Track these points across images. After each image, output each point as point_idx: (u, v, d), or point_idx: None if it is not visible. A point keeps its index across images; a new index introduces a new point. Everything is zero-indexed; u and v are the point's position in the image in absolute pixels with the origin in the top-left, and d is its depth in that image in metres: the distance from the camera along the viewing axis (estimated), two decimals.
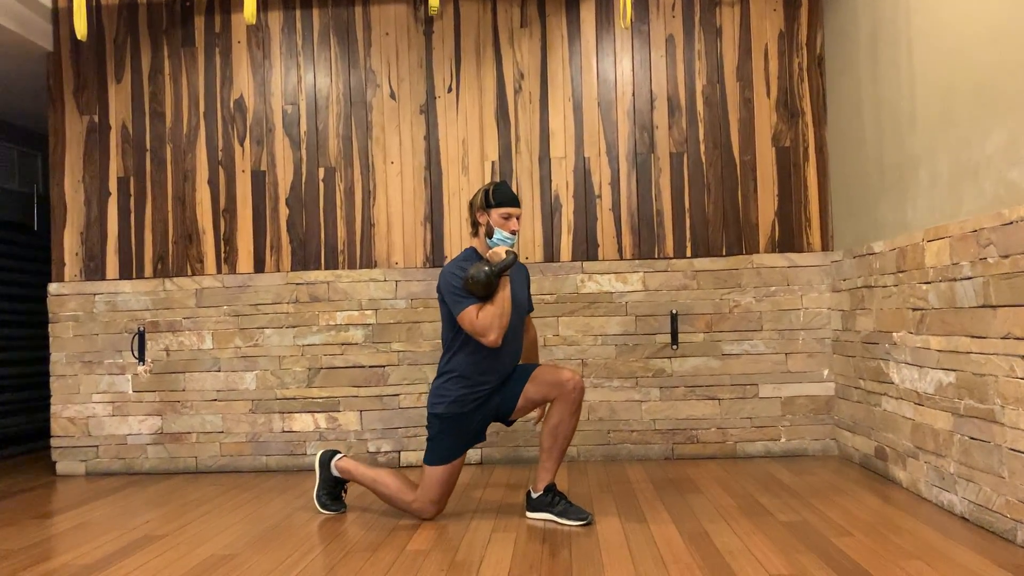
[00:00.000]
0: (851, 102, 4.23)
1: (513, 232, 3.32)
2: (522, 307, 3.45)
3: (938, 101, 3.32)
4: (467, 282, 3.19)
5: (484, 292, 3.19)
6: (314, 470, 3.70)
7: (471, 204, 3.39)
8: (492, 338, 3.19)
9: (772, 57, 4.62)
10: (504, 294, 3.21)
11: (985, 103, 2.98)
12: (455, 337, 3.35)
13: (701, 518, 3.27)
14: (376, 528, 3.31)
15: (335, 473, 3.58)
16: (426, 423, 3.45)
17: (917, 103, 3.50)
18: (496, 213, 3.31)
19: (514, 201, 3.33)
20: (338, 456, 3.59)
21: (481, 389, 3.35)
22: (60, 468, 4.72)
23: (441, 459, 3.35)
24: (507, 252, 3.22)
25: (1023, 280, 2.73)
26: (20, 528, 3.51)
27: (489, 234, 3.32)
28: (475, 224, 3.39)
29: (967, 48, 3.09)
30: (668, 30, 4.67)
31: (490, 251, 3.27)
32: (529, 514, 3.39)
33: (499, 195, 3.32)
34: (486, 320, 3.19)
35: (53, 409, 4.72)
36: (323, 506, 3.59)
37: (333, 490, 3.60)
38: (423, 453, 3.46)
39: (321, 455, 3.61)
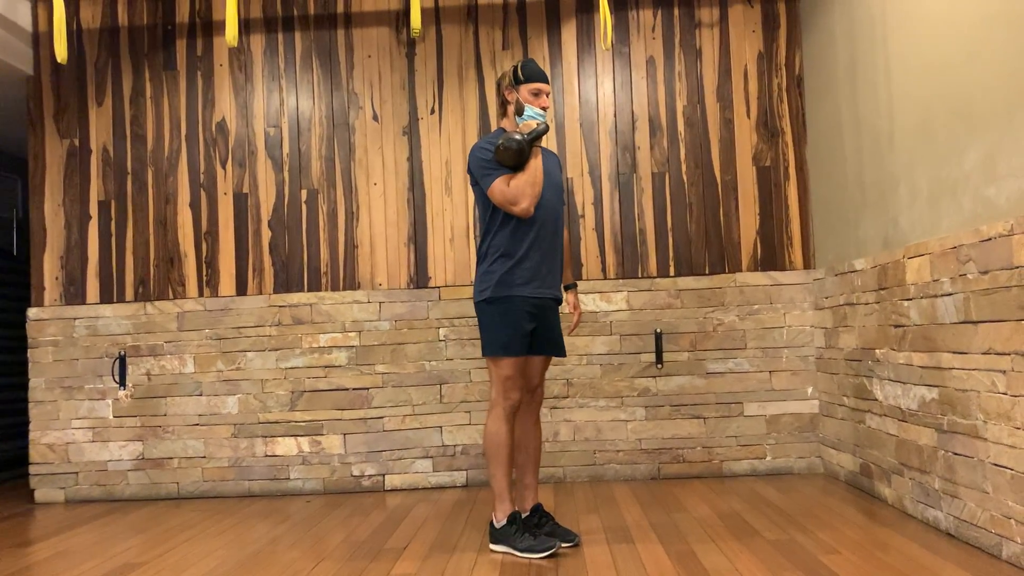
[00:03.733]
0: (830, 121, 4.28)
1: (543, 108, 3.26)
2: (558, 187, 3.37)
3: (916, 120, 3.37)
4: (498, 150, 3.12)
5: (515, 161, 3.12)
6: (497, 551, 3.20)
7: (498, 84, 3.34)
8: (524, 205, 3.11)
9: (752, 78, 4.67)
10: (535, 163, 3.15)
11: (961, 121, 3.02)
12: (492, 216, 3.24)
13: (688, 537, 3.26)
14: (361, 552, 3.27)
15: (505, 519, 3.18)
16: (476, 318, 3.27)
17: (895, 122, 3.54)
18: (525, 89, 3.25)
19: (543, 76, 3.28)
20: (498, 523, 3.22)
21: (526, 267, 3.19)
22: (39, 496, 4.65)
23: (502, 347, 3.15)
24: (538, 124, 3.17)
25: (1003, 296, 2.75)
26: None
27: (519, 111, 3.25)
28: (503, 104, 3.33)
29: (943, 68, 3.14)
30: (649, 51, 4.71)
31: (521, 123, 3.21)
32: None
33: (528, 71, 3.26)
34: (517, 187, 3.11)
35: (32, 435, 4.65)
36: (544, 550, 3.08)
37: (529, 529, 3.17)
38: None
39: (493, 535, 3.22)
